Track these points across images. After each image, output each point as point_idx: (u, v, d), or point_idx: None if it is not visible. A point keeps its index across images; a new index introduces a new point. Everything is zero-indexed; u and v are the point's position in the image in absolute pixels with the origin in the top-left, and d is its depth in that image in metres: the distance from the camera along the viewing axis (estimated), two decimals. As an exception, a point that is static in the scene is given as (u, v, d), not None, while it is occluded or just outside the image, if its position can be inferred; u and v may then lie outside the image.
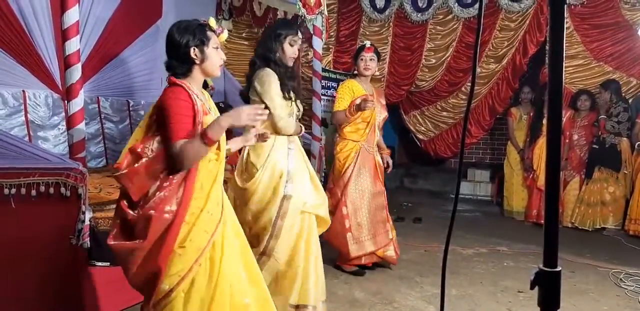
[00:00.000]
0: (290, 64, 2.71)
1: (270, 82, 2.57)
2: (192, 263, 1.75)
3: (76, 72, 2.39)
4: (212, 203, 1.82)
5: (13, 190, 2.18)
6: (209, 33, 1.86)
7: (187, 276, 1.74)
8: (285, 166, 2.62)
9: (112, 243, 1.77)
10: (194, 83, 1.87)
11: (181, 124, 1.72)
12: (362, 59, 3.53)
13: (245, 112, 1.76)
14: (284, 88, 2.60)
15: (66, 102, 2.44)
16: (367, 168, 3.54)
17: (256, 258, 2.60)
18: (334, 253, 3.58)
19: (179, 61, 1.84)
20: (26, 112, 3.60)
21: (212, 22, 1.91)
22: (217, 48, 1.88)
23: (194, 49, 1.82)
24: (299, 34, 2.71)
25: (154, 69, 4.76)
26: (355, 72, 3.65)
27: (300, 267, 2.60)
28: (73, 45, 2.38)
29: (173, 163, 1.73)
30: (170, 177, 1.75)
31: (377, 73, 6.04)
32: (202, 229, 1.78)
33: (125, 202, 1.80)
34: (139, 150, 1.77)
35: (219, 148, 1.85)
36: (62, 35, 2.39)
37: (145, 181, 1.76)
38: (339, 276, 3.52)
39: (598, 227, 5.02)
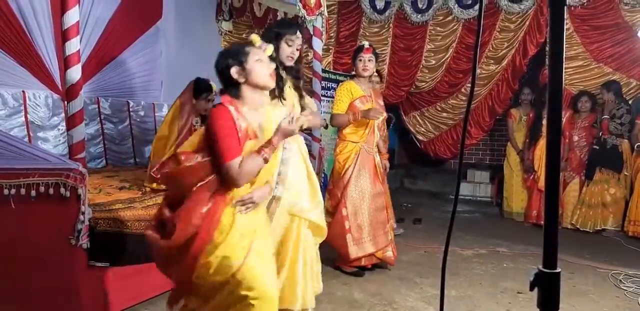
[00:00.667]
0: (288, 63, 2.68)
1: None
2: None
3: (76, 73, 2.39)
4: (243, 221, 1.85)
5: (13, 191, 2.18)
6: (247, 49, 1.92)
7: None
8: (276, 168, 2.57)
9: (147, 232, 1.87)
10: (245, 102, 1.89)
11: (229, 144, 1.76)
12: (360, 60, 3.52)
13: (288, 129, 1.89)
14: (275, 87, 2.56)
15: (66, 102, 2.45)
16: (367, 169, 3.53)
17: None
18: (334, 254, 3.58)
19: (228, 85, 1.90)
20: (26, 113, 3.60)
21: (255, 38, 2.05)
22: (259, 60, 1.90)
23: (235, 68, 1.87)
24: (298, 33, 2.68)
25: (153, 69, 4.77)
26: (354, 72, 3.65)
27: (284, 268, 2.53)
28: (73, 45, 2.39)
29: (216, 181, 1.78)
30: (201, 189, 1.77)
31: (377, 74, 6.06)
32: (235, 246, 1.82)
33: (166, 200, 1.88)
34: (182, 157, 1.81)
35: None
36: (62, 35, 2.40)
37: (179, 187, 1.82)
38: (338, 277, 3.51)
39: (599, 228, 5.01)
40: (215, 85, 3.57)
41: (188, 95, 3.40)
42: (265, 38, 2.67)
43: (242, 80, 1.87)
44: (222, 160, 1.74)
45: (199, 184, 1.76)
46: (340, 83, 3.72)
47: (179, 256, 1.80)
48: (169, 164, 1.86)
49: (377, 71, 4.05)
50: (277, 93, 2.60)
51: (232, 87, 1.89)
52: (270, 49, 2.00)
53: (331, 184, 3.64)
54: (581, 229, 5.05)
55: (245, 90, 1.89)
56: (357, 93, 3.52)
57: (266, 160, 1.83)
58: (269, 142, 1.85)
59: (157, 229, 1.85)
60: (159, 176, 3.21)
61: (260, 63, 1.90)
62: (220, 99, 1.87)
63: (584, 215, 5.06)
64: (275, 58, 2.63)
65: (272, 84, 1.96)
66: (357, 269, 3.57)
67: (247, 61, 1.87)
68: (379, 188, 3.58)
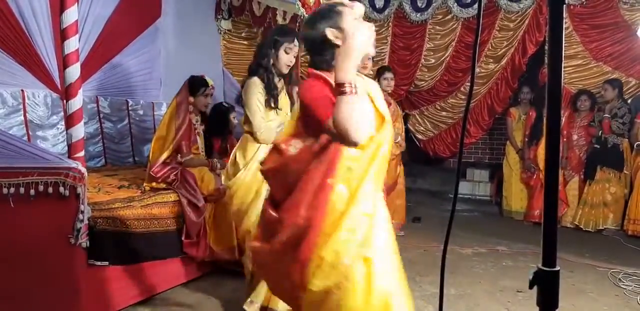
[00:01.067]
0: (285, 71, 2.69)
1: (252, 93, 2.57)
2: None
3: (75, 72, 2.39)
4: (359, 209, 1.53)
5: (12, 190, 2.18)
6: (339, 8, 1.59)
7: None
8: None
9: (252, 244, 1.66)
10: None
11: (324, 104, 1.46)
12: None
13: (358, 39, 1.43)
14: (270, 97, 2.59)
15: (65, 101, 2.44)
16: None
17: (251, 266, 2.62)
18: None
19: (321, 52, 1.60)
20: (25, 112, 3.59)
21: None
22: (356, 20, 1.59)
23: (330, 30, 1.55)
24: (295, 41, 2.67)
25: (152, 68, 4.76)
26: None
27: None
28: (72, 44, 2.38)
29: (327, 157, 1.52)
30: (310, 174, 1.53)
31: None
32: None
33: (269, 201, 1.67)
34: (282, 146, 1.62)
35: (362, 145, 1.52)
36: (61, 34, 2.39)
37: (285, 180, 1.60)
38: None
39: (601, 228, 5.00)
40: (211, 80, 3.57)
41: (184, 94, 3.40)
42: (264, 45, 2.67)
43: (339, 42, 1.52)
44: (321, 121, 1.44)
45: (308, 168, 1.53)
46: None
47: (289, 258, 1.52)
48: (270, 159, 1.67)
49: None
50: (273, 104, 2.62)
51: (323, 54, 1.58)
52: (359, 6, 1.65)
53: None
54: (584, 229, 5.03)
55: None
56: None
57: (352, 94, 1.38)
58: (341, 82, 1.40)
59: (262, 237, 1.63)
60: (158, 175, 3.22)
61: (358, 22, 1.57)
62: (310, 74, 1.61)
63: (586, 215, 5.05)
64: (273, 66, 2.65)
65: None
66: None
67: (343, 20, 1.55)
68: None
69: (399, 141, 4.39)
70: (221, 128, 3.88)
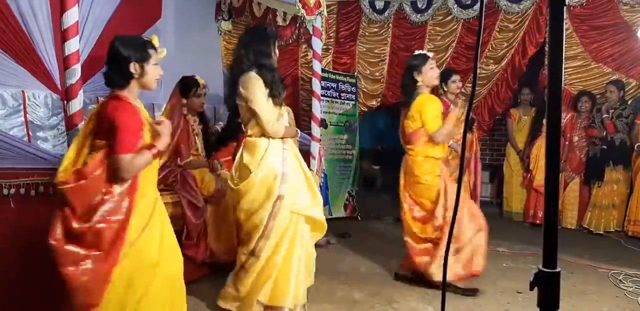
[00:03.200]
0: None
1: (257, 87, 2.56)
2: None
3: (75, 73, 2.39)
4: (147, 201, 1.95)
5: (12, 190, 2.19)
6: (151, 51, 1.98)
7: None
8: (280, 168, 2.62)
9: (54, 243, 1.82)
10: (130, 95, 1.98)
11: (131, 138, 1.83)
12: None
13: (164, 132, 2.00)
14: (273, 93, 2.60)
15: (65, 102, 2.44)
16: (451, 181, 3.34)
17: (245, 257, 2.64)
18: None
19: (118, 74, 1.95)
20: (25, 113, 3.59)
21: (155, 40, 2.04)
22: (156, 65, 2.00)
23: (134, 64, 1.93)
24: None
25: (153, 69, 4.75)
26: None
27: (276, 267, 2.59)
28: (72, 45, 2.38)
29: (114, 175, 1.83)
30: (113, 189, 1.84)
31: (377, 74, 6.06)
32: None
33: (70, 211, 1.84)
34: (87, 171, 1.82)
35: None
36: (62, 35, 2.39)
37: (89, 196, 1.83)
38: (338, 277, 3.51)
39: (611, 230, 4.98)
40: (203, 79, 3.57)
41: (176, 97, 3.41)
42: (259, 42, 2.65)
43: (136, 76, 2.01)
44: (120, 151, 1.86)
45: (107, 186, 1.92)
46: (427, 97, 3.37)
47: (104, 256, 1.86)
48: (73, 179, 1.89)
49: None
50: (277, 99, 2.64)
51: (123, 78, 1.99)
52: (164, 52, 2.10)
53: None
54: (594, 232, 4.99)
55: (133, 85, 2.02)
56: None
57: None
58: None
59: (67, 240, 1.88)
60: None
61: (155, 67, 2.02)
62: (115, 91, 1.98)
63: (597, 217, 5.02)
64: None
65: (154, 86, 2.14)
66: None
67: (148, 62, 1.99)
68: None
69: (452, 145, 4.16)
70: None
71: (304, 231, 2.70)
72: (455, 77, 4.30)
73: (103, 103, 1.96)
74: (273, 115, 2.60)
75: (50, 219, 1.86)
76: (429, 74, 3.32)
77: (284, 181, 2.60)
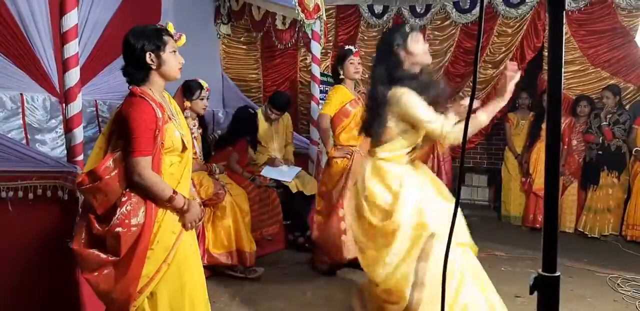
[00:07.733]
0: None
1: (415, 98, 2.23)
2: (160, 263, 1.78)
3: (74, 76, 2.40)
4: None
5: (10, 193, 2.18)
6: (166, 38, 1.85)
7: (155, 277, 1.77)
8: (418, 194, 2.14)
9: (77, 248, 1.77)
10: (153, 88, 1.85)
11: (144, 139, 1.72)
12: (351, 63, 3.56)
13: (195, 216, 1.89)
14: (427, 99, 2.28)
15: (64, 105, 2.45)
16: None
17: None
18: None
19: (136, 67, 1.83)
20: (24, 115, 3.59)
21: (170, 27, 1.92)
22: (174, 52, 1.87)
23: (150, 54, 1.81)
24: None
25: (152, 72, 4.76)
26: (342, 76, 3.59)
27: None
28: (72, 48, 2.39)
29: (129, 178, 1.75)
30: (132, 192, 1.77)
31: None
32: (170, 230, 1.81)
33: (93, 214, 1.79)
34: (100, 171, 1.75)
35: (184, 150, 1.87)
36: (61, 38, 2.40)
37: (108, 197, 1.76)
38: (337, 281, 3.50)
39: (606, 233, 4.98)
40: (205, 82, 3.58)
41: (179, 99, 3.40)
42: (385, 54, 2.49)
43: (154, 67, 1.86)
44: (134, 153, 1.76)
45: (126, 187, 1.85)
46: (333, 87, 3.70)
47: (126, 262, 1.78)
48: (91, 179, 1.81)
49: None
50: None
51: (141, 70, 1.86)
52: (183, 39, 1.94)
53: (323, 186, 3.64)
54: (589, 235, 4.99)
55: (154, 76, 1.87)
56: (348, 98, 3.55)
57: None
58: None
59: (90, 244, 1.83)
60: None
61: (173, 55, 1.87)
62: (132, 89, 1.83)
63: (591, 221, 5.02)
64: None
65: (178, 76, 1.93)
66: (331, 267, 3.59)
67: (163, 50, 1.85)
68: None
69: None
70: (251, 129, 4.00)
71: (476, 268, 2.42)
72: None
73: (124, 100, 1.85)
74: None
75: (77, 225, 1.83)
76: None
77: (427, 209, 2.16)
